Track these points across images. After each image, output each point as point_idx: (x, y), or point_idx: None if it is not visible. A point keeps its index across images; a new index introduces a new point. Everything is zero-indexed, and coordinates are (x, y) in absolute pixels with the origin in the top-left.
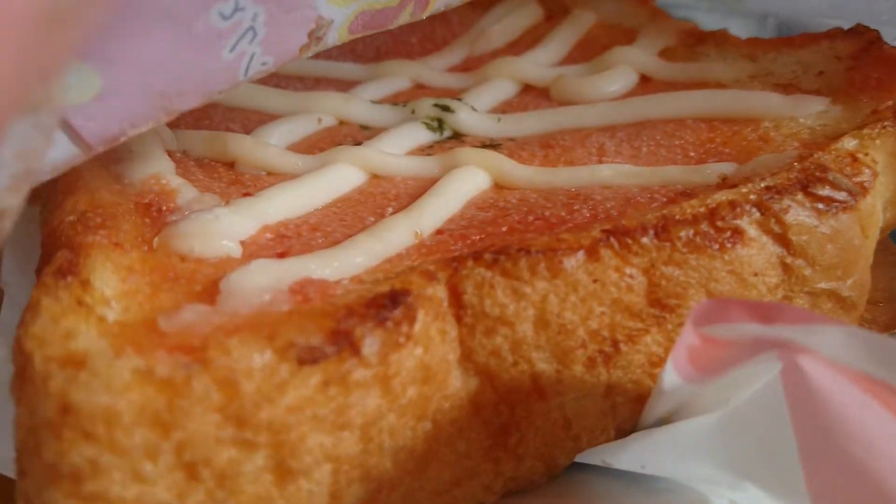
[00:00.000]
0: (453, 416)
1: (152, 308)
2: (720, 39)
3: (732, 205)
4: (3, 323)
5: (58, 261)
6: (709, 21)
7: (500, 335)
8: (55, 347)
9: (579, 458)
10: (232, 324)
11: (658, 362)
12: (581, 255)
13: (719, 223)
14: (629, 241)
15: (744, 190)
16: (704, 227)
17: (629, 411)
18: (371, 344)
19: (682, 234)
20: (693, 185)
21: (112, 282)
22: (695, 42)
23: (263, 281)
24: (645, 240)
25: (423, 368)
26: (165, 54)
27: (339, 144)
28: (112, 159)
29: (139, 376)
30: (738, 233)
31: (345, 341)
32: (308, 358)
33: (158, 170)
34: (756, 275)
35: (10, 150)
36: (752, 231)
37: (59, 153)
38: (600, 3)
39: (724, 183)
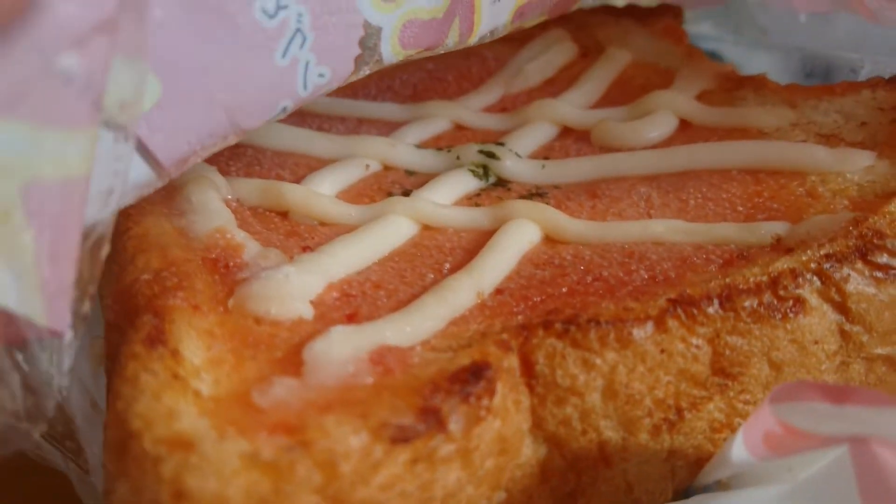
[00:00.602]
0: (524, 484)
1: (240, 379)
2: (758, 84)
3: (794, 273)
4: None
5: (145, 327)
6: (735, 53)
7: (570, 405)
8: (162, 428)
9: None
10: (322, 399)
11: (719, 428)
12: (650, 326)
13: (782, 292)
14: (695, 312)
15: (804, 258)
16: (768, 297)
17: (687, 474)
18: (457, 420)
19: (747, 304)
20: (747, 246)
21: (198, 350)
22: (733, 86)
23: (345, 351)
24: (710, 310)
25: (501, 440)
26: (217, 53)
27: (387, 191)
28: (175, 212)
29: (246, 461)
30: (800, 302)
31: (433, 419)
32: (401, 437)
33: (221, 223)
34: (816, 343)
35: (100, 164)
36: (813, 300)
37: (135, 173)
38: (634, 41)
39: (779, 245)
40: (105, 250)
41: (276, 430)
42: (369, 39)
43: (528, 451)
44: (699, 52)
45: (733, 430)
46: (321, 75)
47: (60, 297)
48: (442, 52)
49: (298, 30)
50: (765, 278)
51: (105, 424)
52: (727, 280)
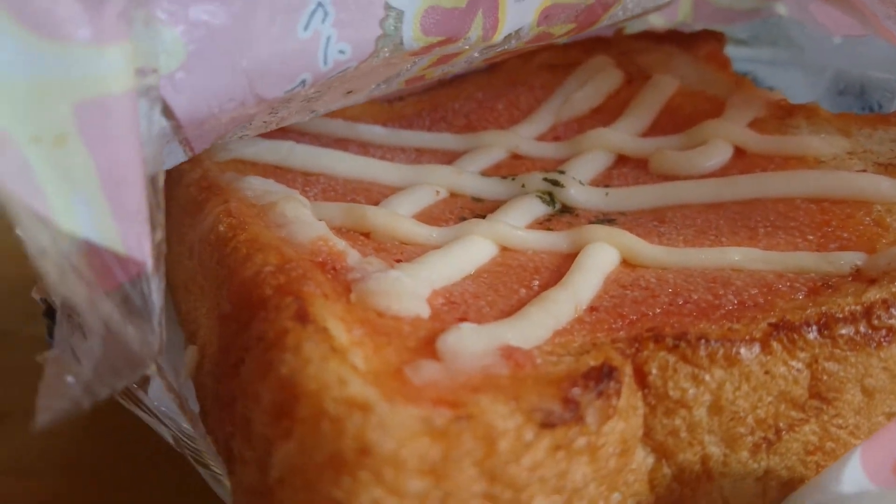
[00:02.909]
0: (635, 489)
1: (384, 360)
2: (810, 112)
3: (886, 304)
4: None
5: (290, 307)
6: (769, 74)
7: (678, 416)
8: (336, 391)
9: None
10: (470, 382)
11: (813, 450)
12: (756, 347)
13: (875, 322)
14: (796, 337)
15: (893, 289)
16: (863, 326)
17: (777, 494)
18: (592, 413)
19: (843, 331)
20: (827, 274)
21: (340, 331)
22: (784, 114)
23: (478, 343)
24: (810, 336)
25: (623, 441)
26: (242, 20)
27: (459, 216)
28: (272, 225)
29: (421, 426)
30: (892, 331)
31: (575, 409)
32: (548, 422)
33: (322, 232)
34: None
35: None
36: None
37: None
38: (679, 67)
39: (859, 275)
40: (161, 180)
41: (439, 404)
42: (390, 21)
43: (640, 458)
44: (747, 80)
45: (825, 453)
46: (342, 52)
47: (134, 223)
48: (466, 47)
49: (320, 4)
50: (858, 308)
51: (248, 396)
52: (823, 308)
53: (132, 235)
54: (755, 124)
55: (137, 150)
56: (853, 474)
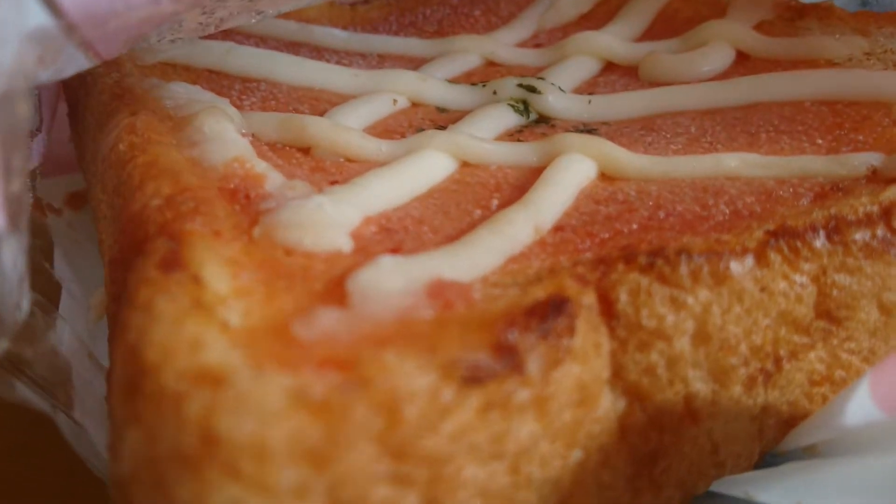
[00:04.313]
0: (601, 441)
1: (275, 310)
2: (824, 13)
3: None
4: (63, 314)
5: (159, 251)
6: None
7: (655, 350)
8: (185, 359)
9: (717, 488)
10: (377, 332)
11: (819, 381)
12: (749, 259)
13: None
14: (799, 245)
15: None
16: (881, 229)
17: (775, 434)
18: (535, 360)
19: (858, 236)
20: (839, 178)
21: (222, 277)
22: (794, 15)
23: (397, 281)
24: (817, 243)
25: (580, 388)
26: None
27: (418, 128)
28: (185, 143)
29: (292, 399)
30: None
31: (510, 357)
32: (474, 377)
33: (239, 152)
34: None
35: None
36: None
37: (32, 19)
38: None
39: (876, 176)
40: (23, 111)
41: (326, 366)
42: None
43: (607, 404)
44: None
45: (833, 384)
46: None
47: None
48: None
49: None
50: (875, 208)
51: (110, 366)
52: (832, 210)
53: None
54: (761, 27)
55: None
56: (861, 404)
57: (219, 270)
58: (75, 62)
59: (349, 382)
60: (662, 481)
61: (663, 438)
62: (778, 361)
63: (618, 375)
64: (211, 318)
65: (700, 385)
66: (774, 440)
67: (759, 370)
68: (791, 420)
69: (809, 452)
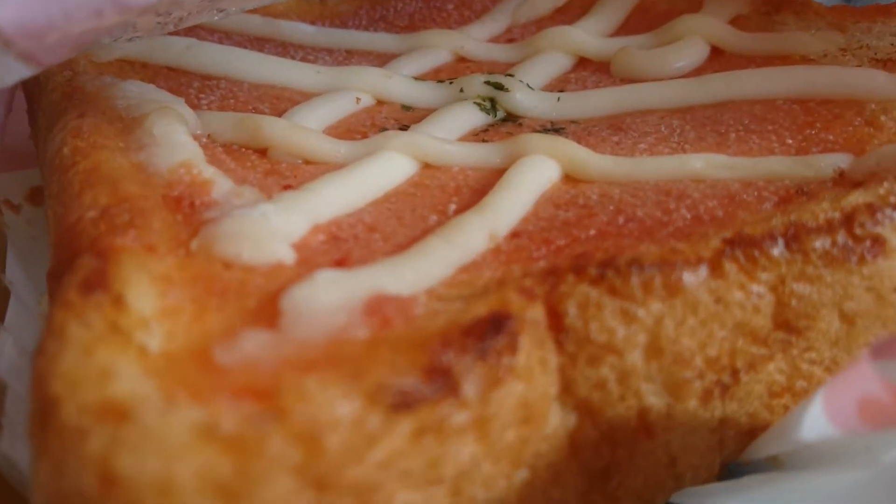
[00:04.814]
0: (550, 459)
1: (201, 332)
2: (800, 7)
3: (871, 209)
4: (10, 324)
5: (82, 270)
6: None
7: (606, 365)
8: (90, 392)
9: (677, 499)
10: (304, 356)
11: (779, 392)
12: (703, 270)
13: (858, 231)
14: (756, 254)
15: (881, 191)
16: (842, 236)
17: (736, 445)
18: (472, 381)
19: (818, 244)
20: (805, 181)
21: (149, 297)
22: (771, 10)
23: (334, 298)
24: (775, 251)
25: (524, 406)
26: None
27: (381, 127)
28: (133, 147)
29: (200, 434)
30: (878, 242)
31: (443, 380)
32: (403, 403)
33: (187, 157)
34: None
35: None
36: (894, 240)
37: None
38: None
39: (843, 179)
40: None
41: (243, 395)
42: None
43: (556, 421)
44: None
45: (794, 395)
46: None
47: None
48: None
49: None
50: (837, 215)
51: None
52: (792, 217)
53: None
54: (736, 22)
55: None
56: (815, 419)
57: (146, 289)
58: (16, 72)
59: (265, 413)
60: (618, 495)
61: (617, 453)
62: (735, 373)
63: (567, 391)
64: (126, 345)
65: (654, 399)
66: (736, 451)
67: (716, 383)
68: (752, 431)
69: (772, 463)
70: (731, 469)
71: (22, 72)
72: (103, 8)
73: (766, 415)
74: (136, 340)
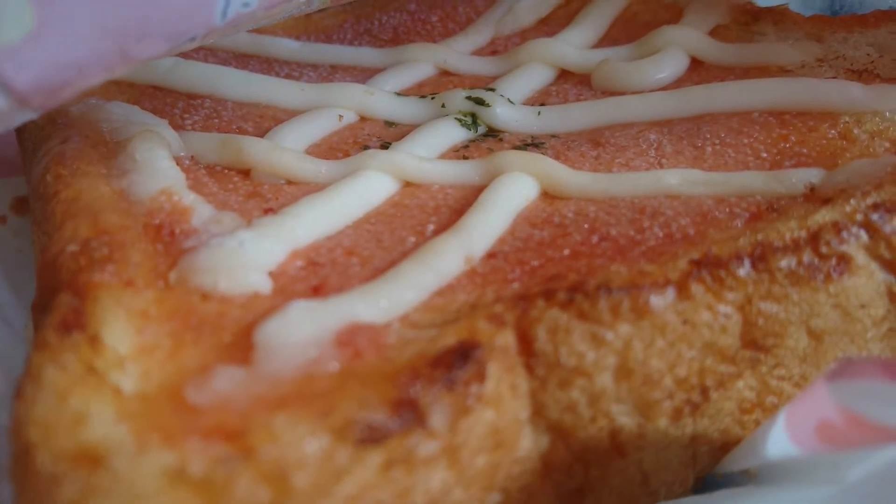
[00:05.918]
0: (523, 481)
1: (176, 369)
2: (779, 17)
3: (837, 227)
4: None
5: (61, 309)
6: None
7: (576, 388)
8: (64, 438)
9: None
10: (275, 393)
11: (749, 408)
12: (671, 292)
13: (824, 249)
14: (723, 274)
15: (847, 209)
16: (808, 255)
17: (710, 459)
18: (440, 412)
19: (783, 263)
20: (776, 197)
21: (126, 335)
22: (750, 20)
23: (306, 331)
24: (741, 272)
25: (494, 433)
26: None
27: (363, 145)
28: (115, 173)
29: (170, 478)
30: (844, 260)
31: (410, 413)
32: (370, 437)
33: (168, 184)
34: (863, 307)
35: None
36: (860, 258)
37: None
38: None
39: (814, 195)
40: None
41: (213, 436)
42: None
43: (528, 444)
44: None
45: (765, 410)
46: (245, 4)
47: None
48: None
49: None
50: (803, 233)
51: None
52: (759, 237)
53: None
54: (717, 32)
55: None
56: (778, 437)
57: (123, 327)
58: (24, 118)
59: (233, 454)
60: None
61: (590, 473)
62: (705, 392)
63: (539, 414)
64: (101, 386)
65: (625, 419)
66: (710, 465)
67: (686, 401)
68: (725, 446)
69: (746, 476)
70: (706, 480)
71: (29, 116)
72: (114, 64)
73: (737, 430)
74: (111, 382)
